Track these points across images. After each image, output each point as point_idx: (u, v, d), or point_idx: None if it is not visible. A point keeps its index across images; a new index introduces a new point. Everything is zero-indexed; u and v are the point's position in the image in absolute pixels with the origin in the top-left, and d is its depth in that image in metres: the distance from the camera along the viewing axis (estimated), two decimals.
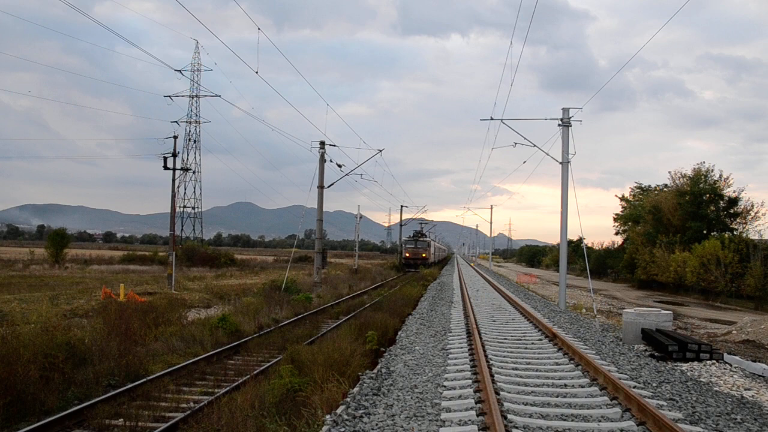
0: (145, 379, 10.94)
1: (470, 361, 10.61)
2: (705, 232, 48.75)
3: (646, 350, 14.49)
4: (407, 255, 66.05)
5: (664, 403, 8.14)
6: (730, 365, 12.89)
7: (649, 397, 8.31)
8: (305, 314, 21.48)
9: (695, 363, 12.95)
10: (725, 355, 13.62)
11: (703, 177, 50.96)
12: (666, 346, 13.55)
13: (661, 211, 52.83)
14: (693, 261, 42.74)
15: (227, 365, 13.41)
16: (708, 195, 49.69)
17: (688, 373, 11.47)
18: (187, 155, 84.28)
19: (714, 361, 13.10)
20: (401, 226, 78.15)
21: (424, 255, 65.30)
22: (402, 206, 78.25)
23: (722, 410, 8.12)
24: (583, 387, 8.91)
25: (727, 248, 40.87)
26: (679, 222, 50.36)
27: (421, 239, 68.38)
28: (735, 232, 47.71)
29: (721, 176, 50.36)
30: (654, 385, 9.51)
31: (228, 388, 10.67)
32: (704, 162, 53.35)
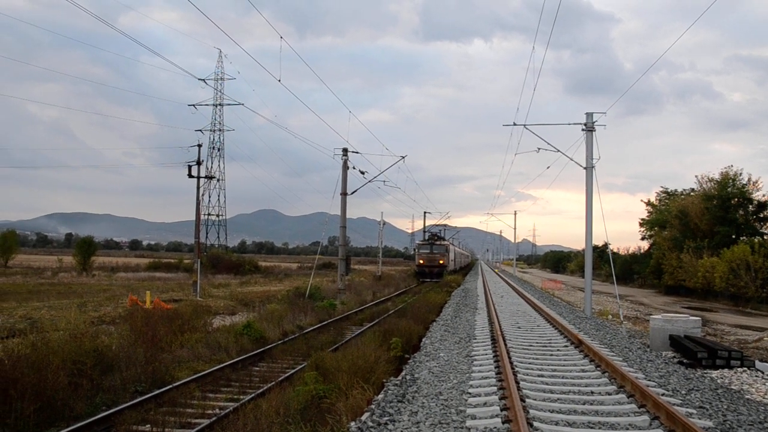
0: (171, 386, 11.04)
1: (495, 368, 10.53)
2: (734, 236, 47.87)
3: (674, 357, 14.27)
4: (421, 261, 56.03)
5: (694, 411, 8.00)
6: (763, 372, 12.63)
7: (678, 405, 8.17)
8: (329, 321, 21.53)
9: (725, 370, 12.72)
10: (757, 362, 13.36)
11: (731, 181, 50.11)
12: (695, 353, 13.33)
13: (688, 216, 52.02)
14: (722, 266, 41.96)
15: (252, 372, 13.48)
16: (736, 199, 48.84)
17: (719, 381, 11.26)
18: (211, 163, 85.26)
19: (745, 369, 12.84)
20: (425, 232, 77.53)
21: (441, 261, 55.48)
22: (425, 212, 77.97)
23: (755, 419, 7.95)
24: (610, 394, 8.79)
25: (756, 253, 40.09)
26: (707, 226, 49.53)
27: (438, 243, 57.85)
28: (765, 237, 46.80)
29: (749, 180, 49.51)
30: (683, 392, 9.35)
31: (253, 395, 10.73)
32: (732, 165, 52.39)
